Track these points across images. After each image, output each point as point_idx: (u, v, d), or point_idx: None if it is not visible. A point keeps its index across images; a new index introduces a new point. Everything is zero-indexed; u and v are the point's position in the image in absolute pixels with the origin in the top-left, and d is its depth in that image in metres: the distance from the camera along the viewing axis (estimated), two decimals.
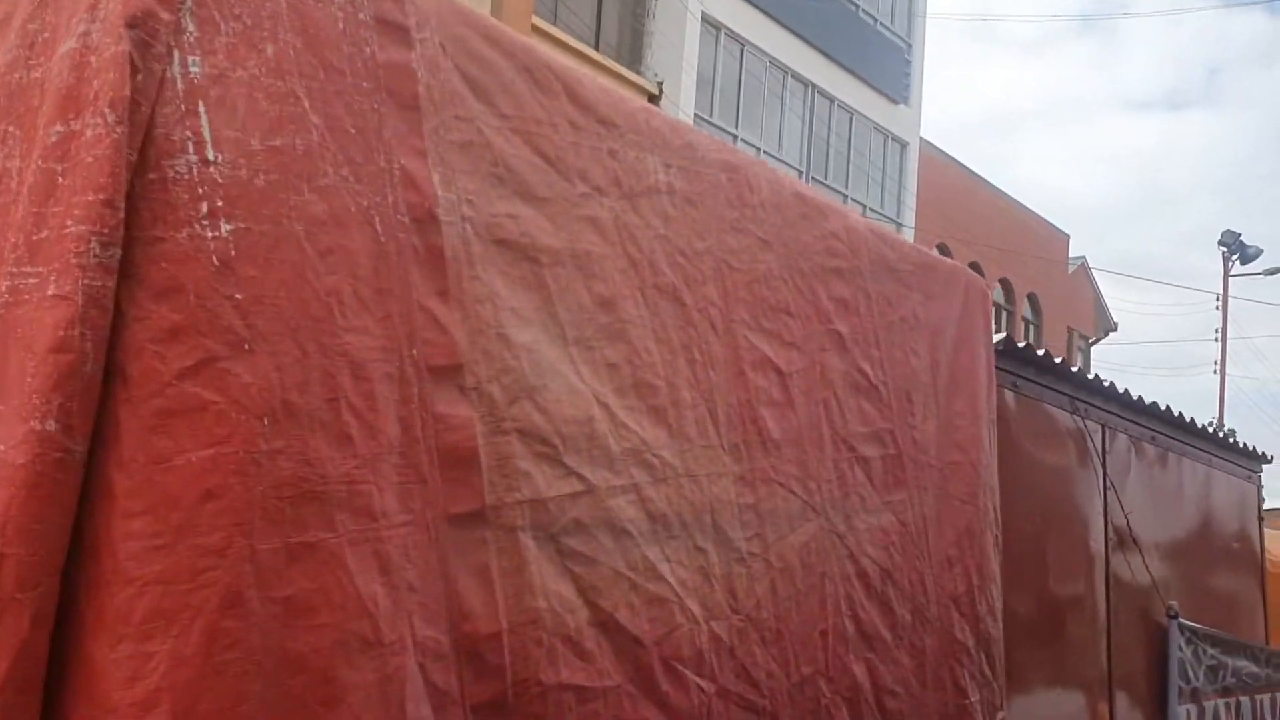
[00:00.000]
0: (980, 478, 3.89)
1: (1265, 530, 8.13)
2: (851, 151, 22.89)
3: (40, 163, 1.79)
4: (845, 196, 22.24)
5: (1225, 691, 6.40)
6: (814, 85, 21.93)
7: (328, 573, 1.89)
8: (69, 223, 1.72)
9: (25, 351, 1.71)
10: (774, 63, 20.95)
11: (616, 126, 2.74)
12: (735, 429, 2.98)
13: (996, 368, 4.40)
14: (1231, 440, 7.13)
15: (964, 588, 3.74)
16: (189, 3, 1.83)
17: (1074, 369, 4.93)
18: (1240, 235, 31.87)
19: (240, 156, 1.86)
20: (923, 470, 3.68)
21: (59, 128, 1.78)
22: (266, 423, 1.82)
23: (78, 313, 1.68)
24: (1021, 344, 4.53)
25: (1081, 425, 5.04)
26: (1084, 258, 33.16)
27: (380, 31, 2.17)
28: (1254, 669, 6.81)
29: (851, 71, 22.68)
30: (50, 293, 1.71)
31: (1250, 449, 7.55)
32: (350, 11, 2.12)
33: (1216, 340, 32.37)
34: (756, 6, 20.30)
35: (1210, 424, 8.05)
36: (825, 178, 21.97)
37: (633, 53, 18.58)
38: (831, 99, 22.42)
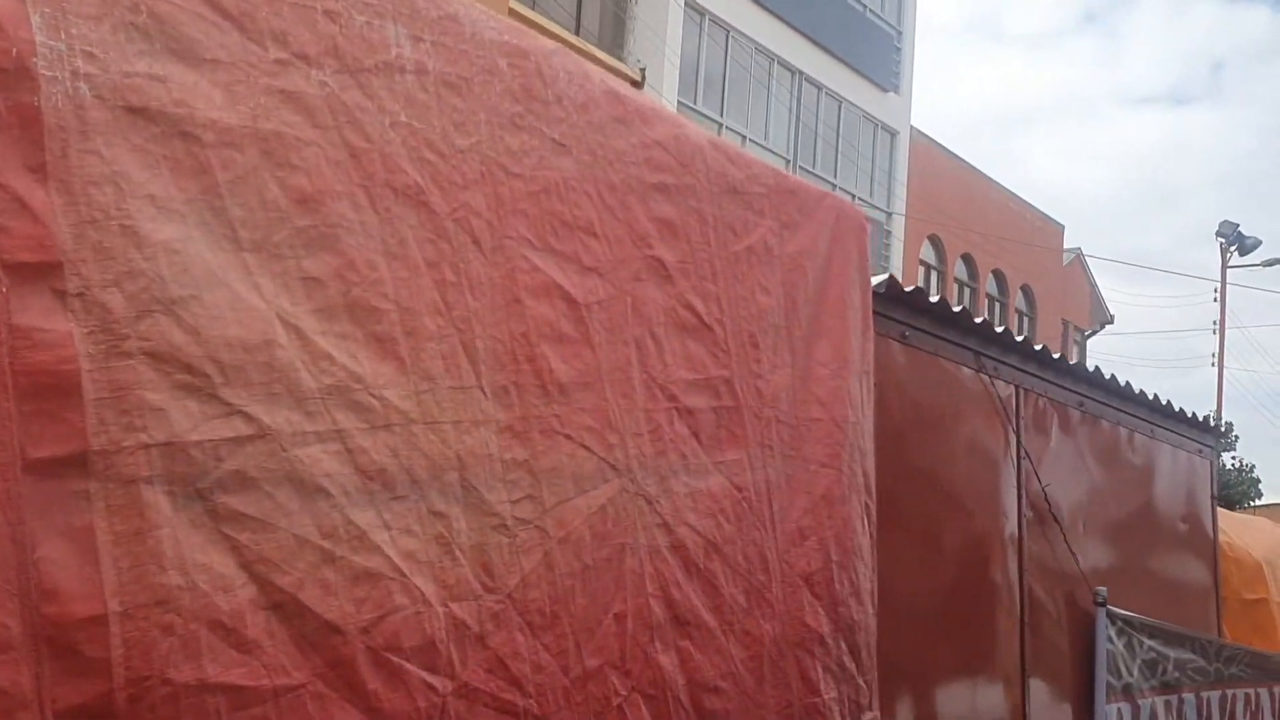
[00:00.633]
0: (845, 438, 3.38)
1: (1220, 511, 7.67)
2: (840, 140, 22.61)
3: None
4: (834, 185, 22.04)
5: (1166, 688, 5.85)
6: (801, 72, 21.63)
7: None
8: None
9: None
10: (760, 49, 20.64)
11: None
12: (503, 368, 2.45)
13: (880, 314, 3.89)
14: (1179, 409, 6.60)
15: (818, 564, 3.23)
16: None
17: (979, 320, 4.41)
18: (1239, 226, 31.63)
19: None
20: (769, 427, 3.17)
21: None
22: None
23: None
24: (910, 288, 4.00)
25: (989, 385, 4.54)
26: (1079, 249, 32.96)
27: None
28: (1201, 663, 6.22)
29: (840, 59, 22.42)
30: None
31: (1203, 420, 7.01)
32: None
33: (1215, 333, 32.11)
34: None
35: (1208, 417, 7.49)
36: (813, 166, 21.72)
37: (614, 38, 18.28)
38: (819, 87, 22.14)
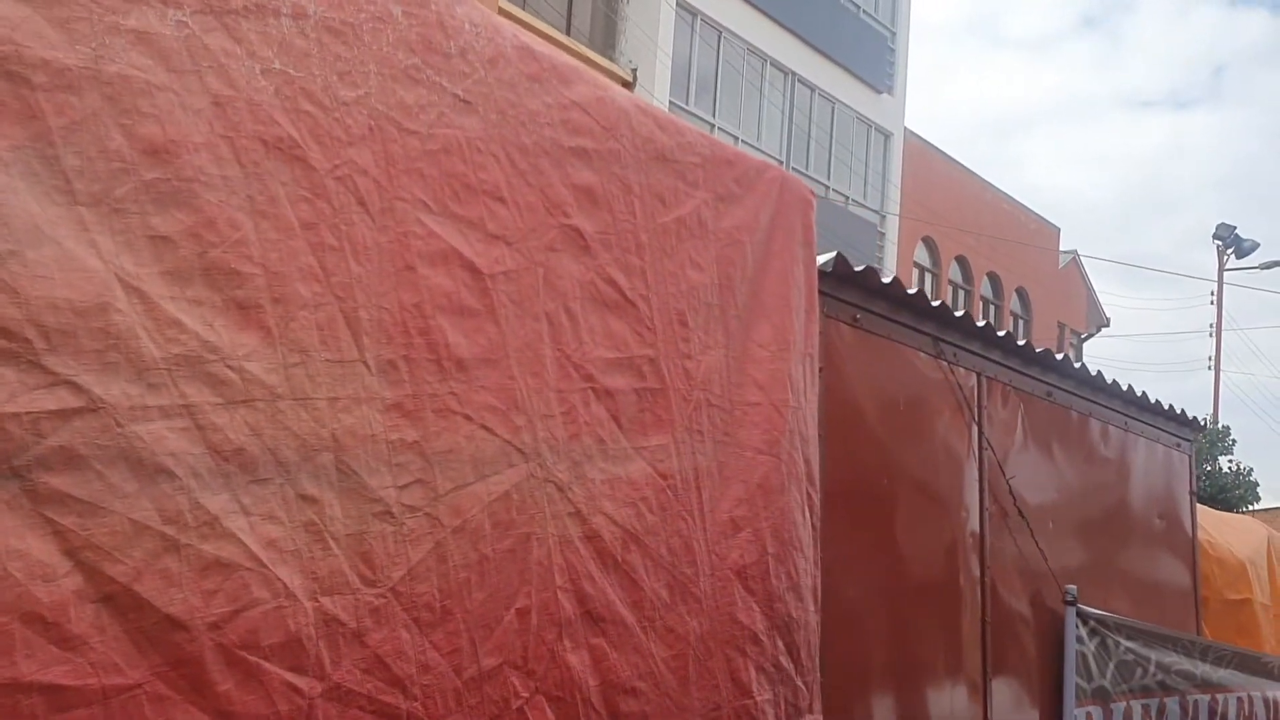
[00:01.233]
0: (785, 423, 3.20)
1: (1203, 510, 7.50)
2: (833, 142, 22.47)
3: None
4: (827, 187, 21.96)
5: (1145, 691, 5.63)
6: (794, 73, 21.50)
7: None
8: None
9: None
10: (752, 50, 20.50)
11: None
12: (391, 341, 2.27)
13: (832, 297, 3.72)
14: (1156, 401, 6.42)
15: (753, 558, 3.05)
16: None
17: (936, 303, 4.22)
18: (1236, 229, 31.45)
19: None
20: (698, 410, 2.98)
21: None
22: None
23: None
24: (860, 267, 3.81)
25: (949, 373, 4.36)
26: (1075, 251, 32.80)
27: None
28: (1186, 666, 5.99)
29: (833, 60, 22.27)
30: None
31: (1180, 413, 6.83)
32: None
33: (1211, 336, 31.99)
34: None
35: (1205, 420, 7.28)
36: (806, 168, 21.60)
37: (606, 39, 18.15)
38: (812, 88, 22.00)
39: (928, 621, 4.23)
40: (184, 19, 1.99)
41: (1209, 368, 31.63)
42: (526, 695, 2.43)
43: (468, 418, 2.40)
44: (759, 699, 3.02)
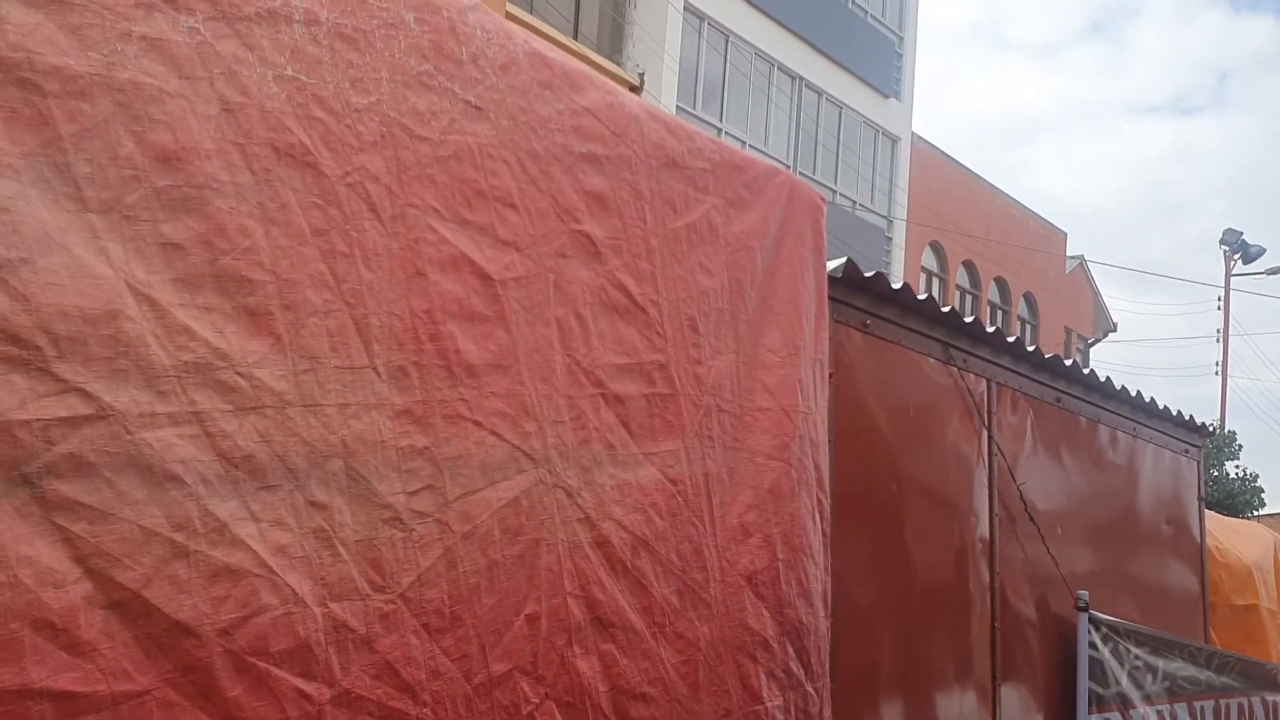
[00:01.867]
0: (795, 429, 3.17)
1: (1210, 516, 7.44)
2: (840, 146, 22.43)
3: None
4: (834, 192, 21.91)
5: (1155, 698, 5.59)
6: (801, 78, 21.45)
7: None
8: None
9: None
10: (760, 54, 20.46)
11: None
12: (402, 348, 2.25)
13: (842, 303, 3.70)
14: (1164, 407, 6.37)
15: (763, 563, 3.03)
16: None
17: (946, 309, 4.19)
18: (1243, 234, 31.31)
19: None
20: (709, 416, 2.96)
21: None
22: None
23: None
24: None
25: (959, 378, 4.33)
26: (1082, 256, 32.67)
27: None
28: (1192, 671, 5.93)
29: (840, 64, 22.22)
30: None
31: (1189, 419, 6.77)
32: None
33: (1219, 341, 31.86)
34: None
35: (1212, 425, 7.22)
36: (814, 173, 21.57)
37: (613, 43, 18.14)
38: (820, 92, 21.96)
39: (937, 627, 4.19)
40: (196, 25, 1.98)
41: (1216, 373, 31.51)
42: (536, 701, 2.41)
43: (478, 424, 2.38)
44: (769, 705, 3.00)
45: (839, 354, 3.65)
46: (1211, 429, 7.38)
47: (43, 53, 1.76)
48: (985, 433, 4.49)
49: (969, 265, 27.23)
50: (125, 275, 1.82)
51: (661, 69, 17.98)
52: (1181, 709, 5.75)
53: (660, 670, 2.71)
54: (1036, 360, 4.90)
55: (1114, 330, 34.67)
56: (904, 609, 4.01)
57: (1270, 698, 6.73)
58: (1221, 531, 7.51)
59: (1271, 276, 31.76)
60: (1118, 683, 5.17)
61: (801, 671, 3.14)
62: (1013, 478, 4.67)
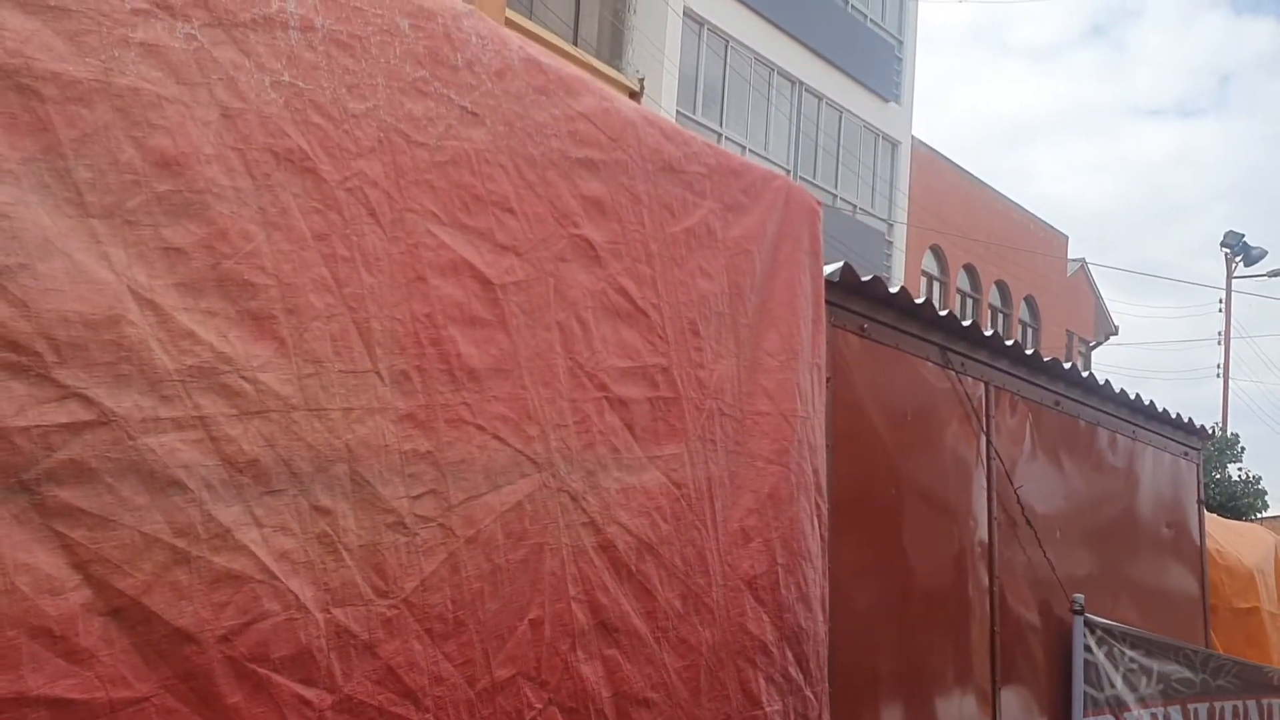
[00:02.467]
0: (794, 433, 3.16)
1: (1211, 518, 7.41)
2: (841, 151, 22.46)
3: None
4: (835, 196, 21.91)
5: (1149, 700, 5.58)
6: (801, 82, 21.47)
7: None
8: None
9: None
10: (759, 59, 20.49)
11: None
12: (404, 352, 2.24)
13: (839, 307, 3.69)
14: (1163, 410, 6.36)
15: (763, 567, 3.01)
16: None
17: (943, 313, 4.18)
18: (1244, 237, 31.34)
19: None
20: (711, 419, 2.95)
21: None
22: None
23: None
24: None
25: (957, 382, 4.32)
26: (1083, 259, 32.71)
27: None
28: (1187, 675, 5.91)
29: (840, 69, 22.24)
30: None
31: (1187, 421, 6.74)
32: None
33: (1220, 343, 31.87)
34: (741, 1, 19.73)
35: (1214, 428, 7.21)
36: (814, 177, 21.60)
37: (613, 48, 18.16)
38: (820, 97, 21.97)
39: (936, 631, 4.17)
40: (193, 32, 1.97)
41: (1218, 375, 31.50)
42: (540, 707, 2.39)
43: (480, 428, 2.37)
44: (769, 710, 2.98)
45: (836, 358, 3.64)
46: (1211, 431, 7.36)
47: (41, 59, 1.75)
48: (983, 436, 4.48)
49: (970, 269, 27.27)
50: (127, 280, 1.81)
51: (661, 74, 18.00)
52: (1175, 712, 5.73)
53: (663, 675, 2.69)
54: (1035, 363, 4.89)
55: (1115, 333, 34.70)
56: (903, 613, 3.99)
57: (1266, 701, 6.71)
58: (1222, 534, 7.49)
59: (1273, 279, 31.78)
60: (1112, 686, 5.16)
61: (800, 676, 3.13)
62: (1010, 481, 4.65)
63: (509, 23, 14.75)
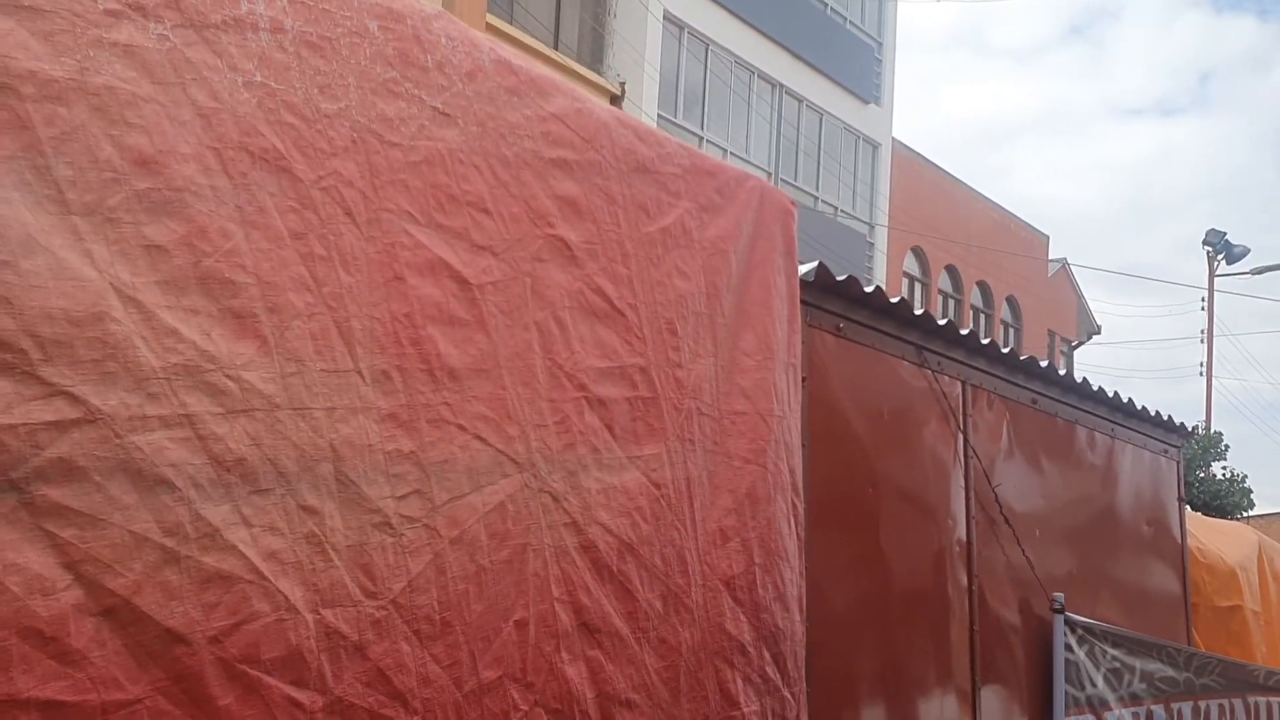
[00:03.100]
0: (771, 432, 3.24)
1: (1193, 516, 7.56)
2: (821, 153, 22.73)
3: None
4: (816, 198, 22.19)
5: (1132, 699, 5.70)
6: (782, 85, 21.80)
7: None
8: None
9: None
10: (739, 62, 20.78)
11: None
12: (384, 351, 2.30)
13: (814, 306, 3.78)
14: (1142, 408, 6.49)
15: (741, 567, 3.08)
16: None
17: (919, 311, 4.28)
18: (1226, 235, 31.89)
19: None
20: (689, 419, 3.02)
21: None
22: None
23: None
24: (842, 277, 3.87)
25: (933, 381, 4.42)
26: (1064, 259, 33.21)
27: None
28: (1170, 673, 6.04)
29: (820, 71, 22.58)
30: None
31: (1166, 418, 6.89)
32: None
33: (1204, 342, 32.36)
34: (721, 5, 20.04)
35: (1198, 426, 7.36)
36: (795, 179, 21.91)
37: (593, 53, 18.38)
38: (800, 99, 22.29)
39: (915, 631, 4.26)
40: (165, 33, 2.02)
41: (1201, 374, 31.97)
42: (526, 708, 2.45)
43: (461, 428, 2.43)
44: (746, 710, 3.04)
45: (812, 358, 3.72)
46: (1193, 429, 7.51)
47: (17, 58, 1.80)
48: (961, 435, 4.58)
49: (951, 270, 27.65)
50: (110, 277, 1.86)
51: (642, 78, 18.21)
52: (1159, 710, 5.84)
53: (644, 676, 2.75)
54: (1012, 362, 5.01)
55: (1098, 333, 35.21)
56: (881, 613, 4.08)
57: (1253, 700, 6.84)
58: (1204, 532, 7.64)
59: (1256, 276, 32.36)
60: (1094, 685, 5.27)
61: (778, 676, 3.19)
62: (988, 480, 4.75)
63: (489, 27, 14.87)
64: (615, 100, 17.34)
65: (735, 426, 3.15)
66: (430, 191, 2.46)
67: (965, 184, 27.98)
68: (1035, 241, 31.22)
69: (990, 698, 4.64)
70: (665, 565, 2.85)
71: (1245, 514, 22.27)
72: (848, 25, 23.71)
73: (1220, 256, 32.02)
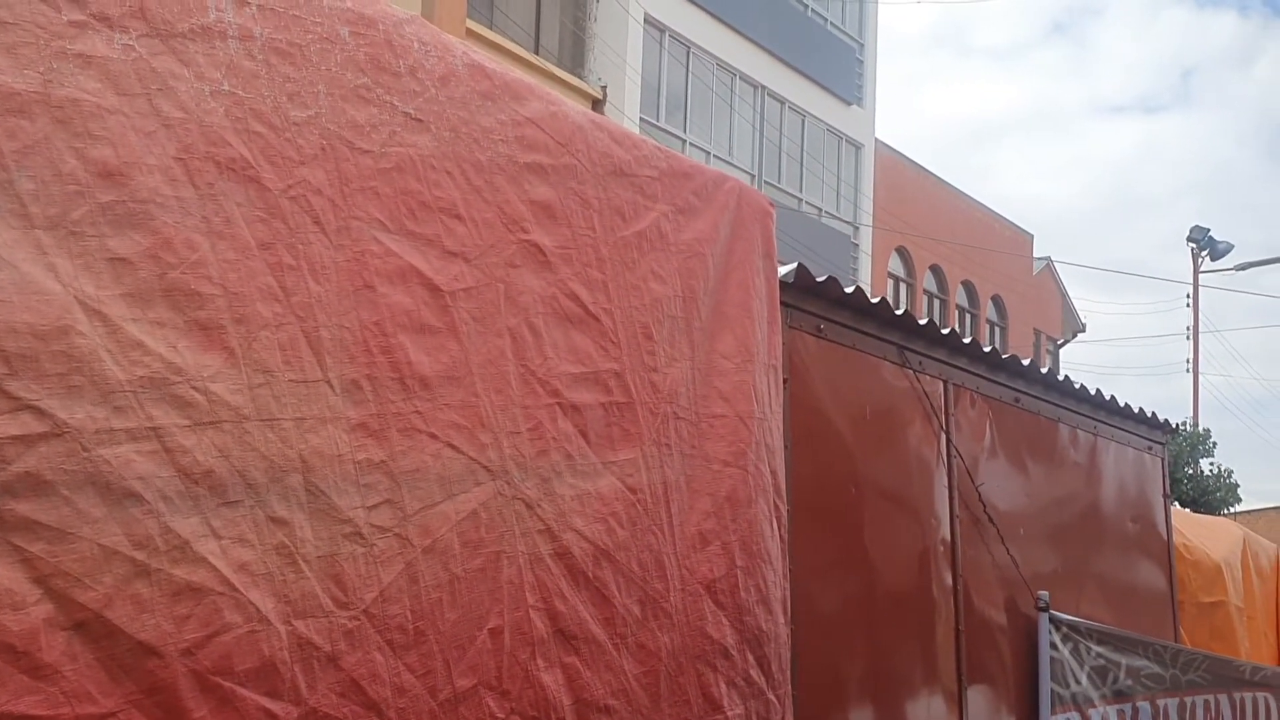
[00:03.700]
0: (751, 435, 3.28)
1: (1178, 512, 7.63)
2: (804, 155, 22.87)
3: None
4: (799, 200, 22.39)
5: (1118, 696, 5.77)
6: (764, 87, 22.00)
7: None
8: None
9: None
10: (721, 65, 20.96)
11: None
12: (354, 360, 2.33)
13: (795, 308, 3.82)
14: (1125, 405, 6.55)
15: (722, 570, 3.12)
16: None
17: (900, 311, 4.33)
18: (1210, 231, 32.12)
19: None
20: (666, 424, 3.06)
21: None
22: None
23: None
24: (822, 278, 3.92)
25: (915, 380, 4.47)
26: (1049, 258, 33.42)
27: None
28: (1156, 669, 6.12)
29: (802, 73, 22.81)
30: None
31: (1150, 415, 6.96)
32: None
33: (1189, 339, 32.57)
34: (701, 8, 20.19)
35: (1185, 423, 7.45)
36: (778, 181, 22.10)
37: (574, 56, 18.49)
38: (782, 101, 22.49)
39: (900, 631, 4.31)
40: (130, 43, 2.05)
41: (1188, 371, 32.21)
42: (502, 716, 2.48)
43: (433, 436, 2.46)
44: (730, 714, 3.08)
45: (793, 359, 3.77)
46: (1178, 426, 7.58)
47: None
48: (944, 435, 4.63)
49: (936, 270, 27.82)
50: (75, 291, 1.88)
51: (624, 82, 18.34)
52: (1145, 706, 5.92)
53: (623, 682, 2.79)
54: (994, 360, 5.06)
55: (1083, 331, 35.47)
56: (866, 614, 4.13)
57: (1239, 695, 6.92)
58: (1189, 529, 7.72)
59: (1241, 272, 32.58)
60: (1078, 682, 5.34)
61: (762, 679, 3.24)
62: (972, 479, 4.81)
63: (469, 32, 14.92)
64: (597, 104, 17.50)
65: (714, 430, 3.19)
66: (401, 198, 2.49)
67: (949, 184, 28.19)
68: (1020, 240, 31.46)
69: (977, 697, 4.70)
70: (643, 570, 2.88)
71: (1233, 509, 22.47)
72: (829, 27, 23.91)
73: (1204, 253, 32.28)
